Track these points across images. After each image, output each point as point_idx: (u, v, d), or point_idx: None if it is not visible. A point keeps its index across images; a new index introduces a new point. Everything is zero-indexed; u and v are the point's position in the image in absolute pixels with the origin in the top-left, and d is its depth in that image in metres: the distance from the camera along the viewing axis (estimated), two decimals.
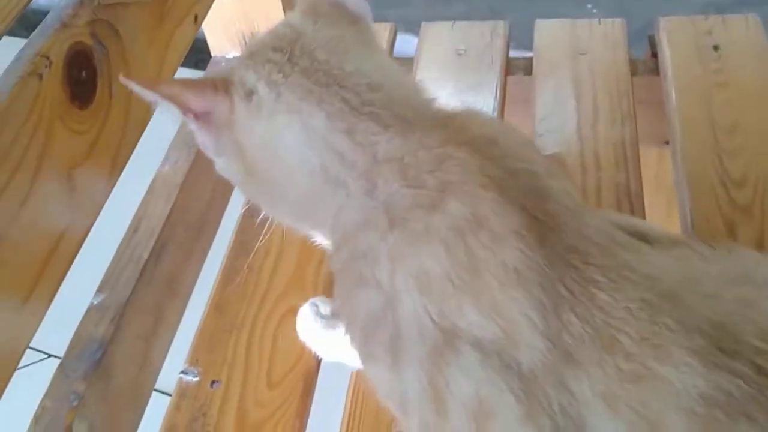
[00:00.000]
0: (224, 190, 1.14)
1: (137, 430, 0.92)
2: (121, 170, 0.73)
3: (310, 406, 0.81)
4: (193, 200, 1.06)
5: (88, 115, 0.67)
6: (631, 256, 0.49)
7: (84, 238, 0.68)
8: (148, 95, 0.56)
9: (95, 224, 0.68)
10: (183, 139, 1.09)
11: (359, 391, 0.79)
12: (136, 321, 0.93)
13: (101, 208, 0.70)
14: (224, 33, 1.20)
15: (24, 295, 0.63)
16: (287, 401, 0.80)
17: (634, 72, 1.07)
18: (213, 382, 0.82)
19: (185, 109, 0.56)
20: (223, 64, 1.21)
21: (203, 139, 0.60)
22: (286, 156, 0.57)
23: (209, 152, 0.62)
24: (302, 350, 0.83)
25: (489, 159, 0.51)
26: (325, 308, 0.83)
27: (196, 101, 0.56)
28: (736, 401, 0.42)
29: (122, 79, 0.56)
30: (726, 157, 0.92)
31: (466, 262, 0.49)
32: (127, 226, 0.99)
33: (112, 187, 0.72)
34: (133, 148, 0.75)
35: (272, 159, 0.58)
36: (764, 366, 0.42)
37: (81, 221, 0.67)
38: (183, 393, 0.82)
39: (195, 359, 0.84)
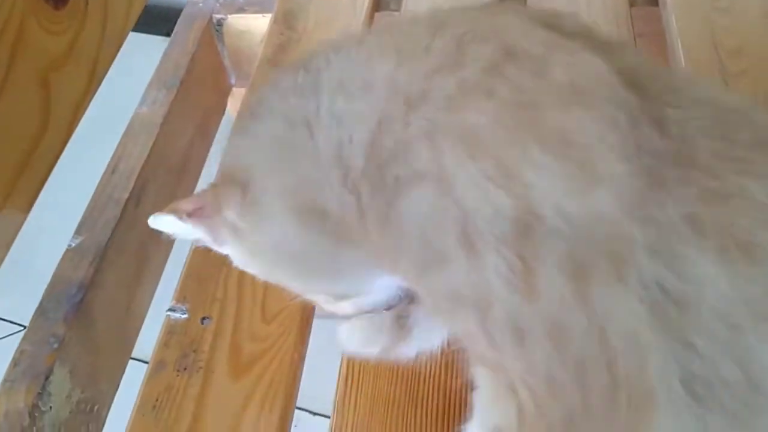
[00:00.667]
0: (205, 131, 1.09)
1: (121, 379, 0.87)
2: (99, 84, 0.68)
3: (308, 338, 0.76)
4: (173, 141, 1.01)
5: (63, 16, 0.62)
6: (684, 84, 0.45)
7: (59, 153, 0.62)
8: (160, 221, 0.59)
9: (68, 167, 0.62)
10: (160, 78, 1.04)
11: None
12: (118, 265, 0.88)
13: (78, 121, 0.64)
14: None
15: None
16: (284, 335, 0.75)
17: (632, 3, 1.04)
18: (203, 318, 0.77)
19: (180, 215, 0.57)
20: (200, 5, 1.15)
21: (203, 236, 0.60)
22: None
23: (214, 247, 0.62)
24: None
25: None
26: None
27: (187, 203, 0.58)
28: None
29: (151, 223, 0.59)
30: (731, 80, 0.89)
31: (516, 100, 0.42)
32: (103, 170, 0.93)
33: (89, 100, 0.66)
34: (111, 61, 0.69)
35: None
36: None
37: (57, 134, 0.61)
38: (171, 330, 0.76)
39: (182, 296, 0.79)
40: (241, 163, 0.58)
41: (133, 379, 0.77)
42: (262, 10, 1.13)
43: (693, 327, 0.41)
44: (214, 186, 0.60)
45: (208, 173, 1.09)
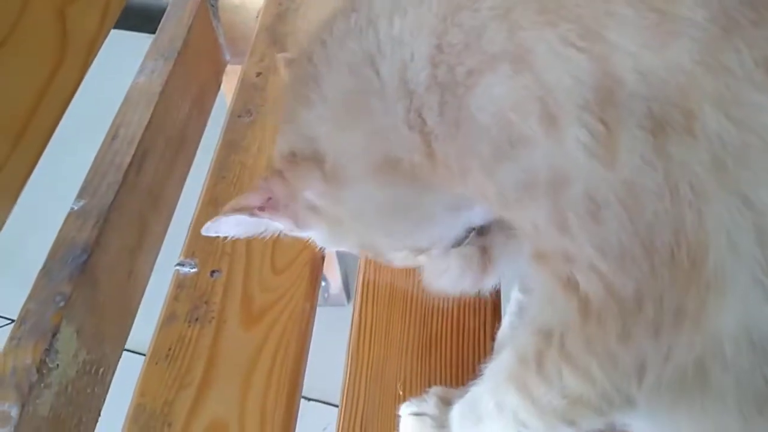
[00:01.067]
0: (202, 106, 1.09)
1: (125, 344, 0.87)
2: (112, 21, 0.68)
3: (318, 289, 0.76)
4: (172, 112, 1.01)
5: None
6: None
7: (74, 90, 0.62)
8: (226, 223, 0.61)
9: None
10: (158, 49, 1.04)
11: (371, 266, 0.75)
12: (121, 228, 0.87)
13: (93, 57, 0.64)
14: None
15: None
16: (294, 285, 0.75)
17: None
18: (213, 271, 0.77)
19: (250, 210, 0.58)
20: None
21: (283, 225, 0.60)
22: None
23: (295, 233, 0.63)
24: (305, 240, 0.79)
25: None
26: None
27: (254, 197, 0.59)
28: None
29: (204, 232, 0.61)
30: None
31: None
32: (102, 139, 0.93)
33: (104, 37, 0.66)
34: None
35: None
36: None
37: (73, 69, 0.61)
38: (181, 284, 0.76)
39: (191, 252, 0.79)
40: (308, 137, 0.56)
41: (129, 371, 0.74)
42: None
43: (751, 181, 0.42)
44: (277, 173, 0.59)
45: (205, 152, 1.08)
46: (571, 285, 0.46)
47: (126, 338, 0.89)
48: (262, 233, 0.63)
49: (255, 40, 1.01)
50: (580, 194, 0.44)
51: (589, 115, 0.42)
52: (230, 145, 0.88)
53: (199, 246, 0.79)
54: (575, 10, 0.42)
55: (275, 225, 0.60)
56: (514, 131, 0.45)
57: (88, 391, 0.81)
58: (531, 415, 0.51)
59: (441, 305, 0.71)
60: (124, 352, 0.84)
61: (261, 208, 0.58)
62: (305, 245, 0.77)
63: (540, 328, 0.49)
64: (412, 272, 0.74)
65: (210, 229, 0.61)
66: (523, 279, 0.69)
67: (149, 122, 0.95)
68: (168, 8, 1.09)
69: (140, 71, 1.01)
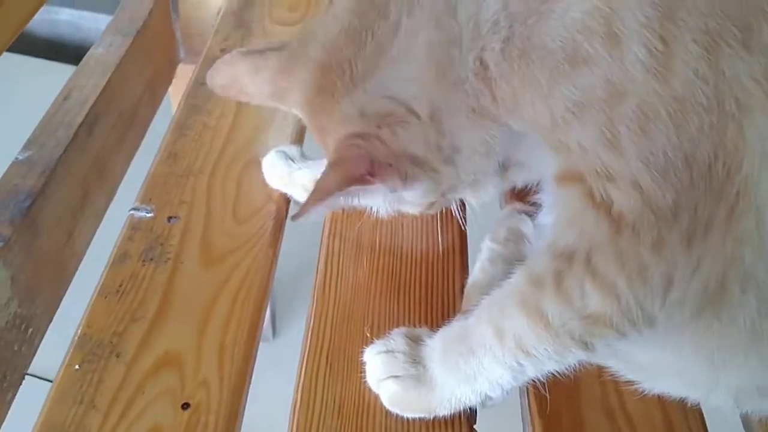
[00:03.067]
0: (154, 92, 1.07)
1: (55, 313, 0.81)
2: None
3: (281, 240, 0.73)
4: (125, 86, 0.98)
5: None
6: None
7: None
8: (330, 202, 0.54)
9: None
10: (117, 26, 1.02)
11: (336, 224, 0.73)
12: (66, 185, 0.83)
13: None
14: None
15: None
16: (257, 234, 0.72)
17: None
18: (170, 217, 0.73)
19: (363, 179, 0.53)
20: None
21: (393, 184, 0.55)
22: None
23: (408, 199, 0.61)
24: (270, 194, 0.77)
25: None
26: (293, 152, 0.77)
27: (355, 165, 0.53)
28: None
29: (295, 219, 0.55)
30: None
31: None
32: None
33: None
34: None
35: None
36: None
37: None
38: (135, 227, 0.72)
39: (147, 198, 0.75)
40: (397, 95, 0.55)
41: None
42: None
43: None
44: (366, 136, 0.55)
45: (151, 140, 1.04)
46: (603, 204, 0.47)
47: (57, 307, 0.83)
48: (346, 205, 0.59)
49: (220, 22, 1.01)
50: (633, 108, 0.46)
51: (649, 32, 0.45)
52: (192, 107, 0.86)
53: (155, 193, 0.75)
54: None
55: (379, 188, 0.55)
56: (579, 51, 0.48)
57: (15, 348, 0.75)
58: (541, 340, 0.50)
59: (409, 254, 0.70)
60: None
61: (371, 173, 0.53)
62: (270, 197, 0.75)
63: (562, 251, 0.50)
64: (379, 224, 0.72)
65: (308, 215, 0.54)
66: (495, 230, 0.69)
67: (103, 89, 0.92)
68: None
69: (98, 44, 0.99)
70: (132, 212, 0.73)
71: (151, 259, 0.69)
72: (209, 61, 0.93)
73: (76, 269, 0.87)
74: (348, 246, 0.71)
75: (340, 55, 0.56)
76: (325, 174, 0.54)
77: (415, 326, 0.63)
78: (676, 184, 0.46)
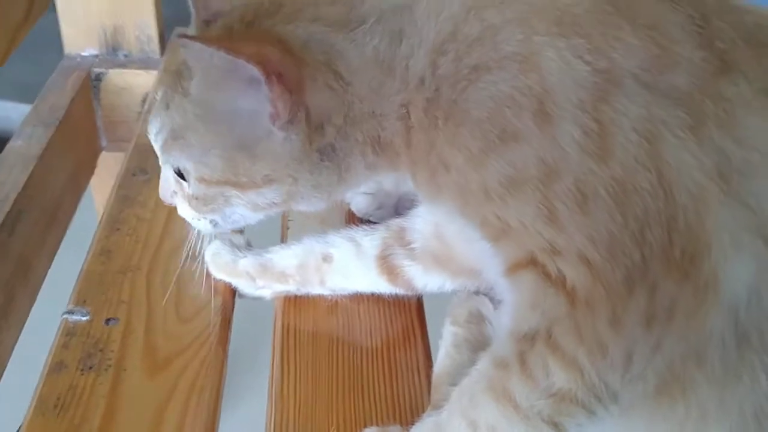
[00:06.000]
0: (76, 184, 1.03)
1: None
2: None
3: (229, 337, 0.69)
4: (48, 179, 0.93)
5: None
6: None
7: None
8: (211, 55, 0.49)
9: None
10: (38, 116, 0.97)
11: (289, 317, 0.70)
12: None
13: None
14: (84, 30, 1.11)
15: None
16: (204, 333, 0.68)
17: None
18: (108, 320, 0.68)
19: (266, 70, 0.48)
20: (78, 60, 1.11)
21: (281, 110, 0.51)
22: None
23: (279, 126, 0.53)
24: (214, 287, 0.73)
25: None
26: (237, 240, 0.74)
27: (275, 58, 0.49)
28: None
29: (181, 35, 0.49)
30: None
31: None
32: None
33: None
34: None
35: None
36: None
37: None
38: (70, 332, 0.67)
39: (82, 300, 0.70)
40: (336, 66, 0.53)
41: None
42: (145, 66, 1.11)
43: (752, 191, 0.45)
44: (292, 53, 0.51)
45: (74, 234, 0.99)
46: (558, 279, 0.46)
47: None
48: (212, 89, 0.52)
49: (148, 109, 0.97)
50: (569, 187, 0.45)
51: (583, 113, 0.45)
52: (124, 199, 0.82)
53: (90, 294, 0.70)
54: (587, 29, 0.46)
55: (259, 97, 0.50)
56: (508, 126, 0.47)
57: None
58: (513, 425, 0.49)
59: (369, 345, 0.67)
60: None
61: (278, 77, 0.49)
62: (213, 292, 0.71)
63: (525, 333, 0.48)
64: (335, 313, 0.70)
65: (191, 47, 0.49)
66: (454, 311, 0.68)
67: (25, 185, 0.87)
68: (50, 78, 1.04)
69: (17, 136, 0.94)
70: (66, 316, 0.68)
71: (91, 368, 0.63)
72: (140, 150, 0.90)
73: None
74: (303, 340, 0.67)
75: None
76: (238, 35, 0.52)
77: (383, 424, 0.59)
78: (627, 262, 0.45)
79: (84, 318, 0.68)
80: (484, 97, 0.48)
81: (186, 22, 0.62)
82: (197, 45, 0.50)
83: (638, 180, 0.44)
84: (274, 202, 0.57)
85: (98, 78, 1.10)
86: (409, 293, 0.69)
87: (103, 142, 1.15)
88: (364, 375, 0.64)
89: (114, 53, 1.13)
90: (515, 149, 0.47)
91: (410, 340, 0.67)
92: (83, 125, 1.08)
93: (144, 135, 0.92)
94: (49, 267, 0.94)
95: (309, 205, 0.59)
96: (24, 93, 1.03)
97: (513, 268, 0.49)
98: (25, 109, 0.99)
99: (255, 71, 0.48)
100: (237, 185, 0.55)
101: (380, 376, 0.65)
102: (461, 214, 0.53)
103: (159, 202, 0.81)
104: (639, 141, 0.44)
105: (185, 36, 0.49)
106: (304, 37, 0.52)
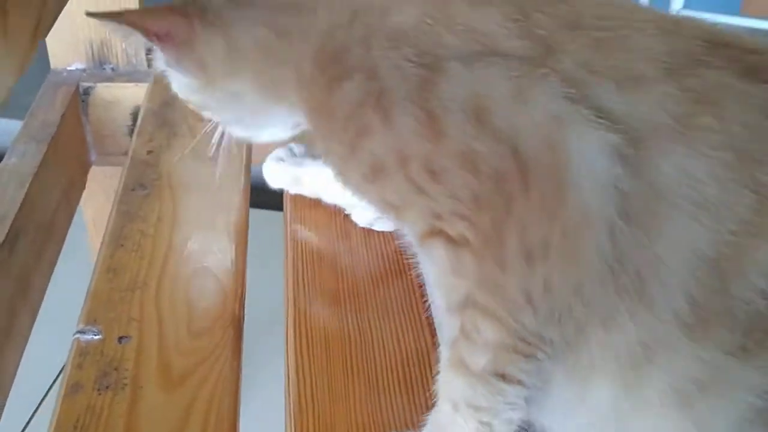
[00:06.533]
0: (69, 200, 1.02)
1: None
2: None
3: (241, 354, 0.70)
4: (44, 196, 0.93)
5: None
6: None
7: None
8: (112, 26, 0.62)
9: None
10: (29, 133, 0.97)
11: (301, 323, 0.70)
12: None
13: None
14: (70, 44, 1.10)
15: None
16: (218, 348, 0.68)
17: None
18: (121, 338, 0.68)
19: (147, 33, 0.61)
20: (64, 74, 1.11)
21: (167, 59, 0.64)
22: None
23: (171, 71, 0.66)
24: (224, 300, 0.73)
25: None
26: (299, 149, 0.82)
27: (156, 24, 0.61)
28: None
29: (89, 13, 0.63)
30: None
31: (433, 3, 0.55)
32: None
33: None
34: None
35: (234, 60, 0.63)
36: None
37: None
38: (84, 352, 0.66)
39: (92, 319, 0.69)
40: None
41: None
42: (133, 79, 1.10)
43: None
44: (186, 14, 0.61)
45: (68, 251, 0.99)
46: (456, 240, 0.52)
47: None
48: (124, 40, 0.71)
49: (142, 122, 0.97)
50: (419, 166, 0.52)
51: (412, 104, 0.52)
52: (125, 215, 0.82)
53: (100, 313, 0.70)
54: (413, 39, 0.54)
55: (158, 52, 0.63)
56: (361, 123, 0.55)
57: None
58: (475, 389, 0.53)
59: (383, 356, 0.68)
60: None
61: (158, 37, 0.61)
62: (224, 304, 0.72)
63: (456, 305, 0.53)
64: (346, 318, 0.70)
65: (105, 21, 0.62)
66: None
67: (22, 203, 0.86)
68: (38, 95, 1.03)
69: (10, 154, 0.93)
70: (78, 336, 0.68)
71: (107, 387, 0.63)
72: (136, 164, 0.90)
73: (4, 405, 0.79)
74: (316, 352, 0.68)
75: None
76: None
77: (404, 425, 0.61)
78: (491, 210, 0.50)
79: (96, 337, 0.67)
80: (343, 101, 0.56)
81: None
82: (104, 20, 0.62)
83: (476, 147, 0.50)
84: (226, 122, 0.69)
85: (86, 92, 1.09)
86: None
87: (93, 157, 1.15)
88: (380, 385, 0.65)
89: (101, 67, 1.12)
90: (371, 141, 0.54)
91: (422, 349, 0.68)
92: (73, 140, 1.07)
93: (139, 149, 0.93)
94: (47, 284, 0.93)
95: (246, 132, 0.70)
96: (4, 106, 1.02)
97: (422, 238, 0.55)
98: (5, 123, 0.99)
99: (138, 34, 0.61)
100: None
101: (396, 385, 0.65)
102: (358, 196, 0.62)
103: (161, 216, 0.82)
104: (467, 119, 0.50)
105: (91, 14, 0.63)
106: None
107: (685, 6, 1.95)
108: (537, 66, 0.50)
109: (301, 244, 0.78)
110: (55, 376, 1.19)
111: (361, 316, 0.71)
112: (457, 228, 0.51)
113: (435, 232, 0.53)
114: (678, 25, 0.53)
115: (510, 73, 0.50)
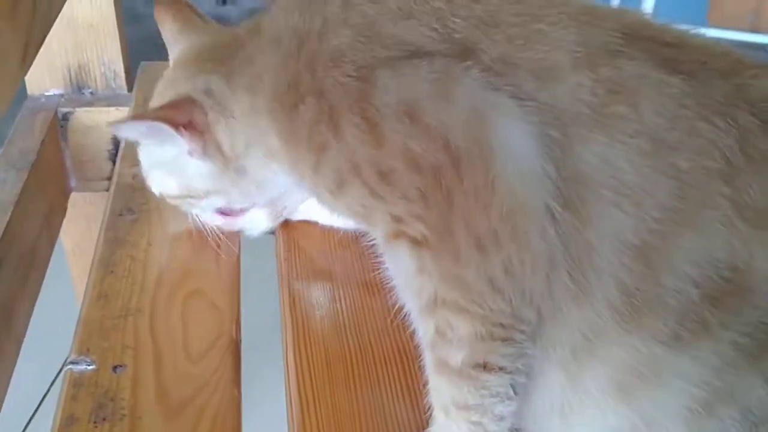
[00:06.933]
0: (50, 227, 1.00)
1: None
2: None
3: (241, 374, 0.68)
4: (25, 224, 0.90)
5: None
6: None
7: None
8: (139, 127, 0.69)
9: None
10: (8, 161, 0.94)
11: (300, 341, 0.69)
12: None
13: None
14: (47, 69, 1.08)
15: None
16: (217, 372, 0.66)
17: None
18: (116, 367, 0.66)
19: (175, 124, 0.64)
20: (42, 100, 1.08)
21: (193, 148, 0.67)
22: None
23: (199, 158, 0.68)
24: (220, 323, 0.71)
25: None
26: None
27: (177, 115, 0.65)
28: None
29: (112, 126, 0.73)
30: None
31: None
32: None
33: None
34: None
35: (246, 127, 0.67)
36: None
37: None
38: (78, 383, 0.64)
39: (85, 349, 0.67)
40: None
41: None
42: (112, 103, 1.08)
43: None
44: (197, 103, 0.66)
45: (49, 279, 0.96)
46: (417, 241, 0.53)
47: None
48: (155, 144, 0.70)
49: (126, 146, 0.95)
50: (370, 171, 0.55)
51: (353, 115, 0.55)
52: (114, 241, 0.80)
53: (93, 341, 0.68)
54: (351, 56, 0.57)
55: (181, 143, 0.66)
56: (318, 140, 0.58)
57: None
58: (460, 388, 0.53)
59: (384, 369, 0.66)
60: None
61: (186, 126, 0.65)
62: (220, 330, 0.70)
63: (425, 304, 0.54)
64: (345, 333, 0.69)
65: (122, 128, 0.72)
66: None
67: (4, 231, 0.84)
68: (16, 121, 1.01)
69: None
70: (70, 366, 0.65)
71: (104, 419, 0.61)
72: (122, 189, 0.88)
73: None
74: (317, 365, 0.66)
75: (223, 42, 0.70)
76: (152, 106, 0.70)
77: None
78: (436, 206, 0.52)
79: (90, 367, 0.65)
80: (301, 124, 0.59)
81: (151, 56, 0.74)
82: (126, 126, 0.71)
83: (413, 148, 0.52)
84: (219, 205, 0.74)
85: (65, 118, 1.07)
86: None
87: (72, 183, 1.12)
88: (385, 399, 0.64)
89: (79, 91, 1.10)
90: (328, 156, 0.57)
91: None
92: (53, 167, 1.05)
93: (124, 173, 0.91)
94: (31, 313, 0.91)
95: (247, 204, 0.74)
96: None
97: (387, 240, 0.56)
98: None
99: (166, 127, 0.64)
100: (192, 197, 0.72)
101: (401, 398, 0.64)
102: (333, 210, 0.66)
103: (152, 240, 0.80)
104: (401, 120, 0.53)
105: (115, 122, 0.70)
106: (203, 87, 0.67)
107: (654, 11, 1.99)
108: (458, 63, 0.53)
109: (295, 260, 0.77)
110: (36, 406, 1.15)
111: (361, 330, 0.70)
112: (415, 228, 0.53)
113: (398, 234, 0.55)
114: (593, 16, 0.55)
115: (433, 73, 0.53)
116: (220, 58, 0.68)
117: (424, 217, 0.52)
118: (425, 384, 0.58)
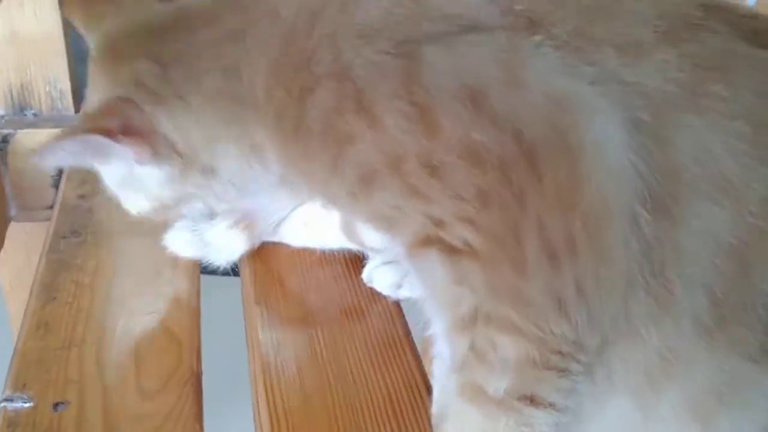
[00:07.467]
0: None
1: None
2: None
3: (203, 411, 0.59)
4: None
5: None
6: None
7: None
8: (66, 147, 0.55)
9: None
10: None
11: (271, 372, 0.61)
12: None
13: None
14: None
15: None
16: (176, 408, 0.58)
17: None
18: (57, 404, 0.57)
19: (109, 132, 0.54)
20: None
21: (139, 155, 0.57)
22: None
23: (151, 164, 0.58)
24: (178, 354, 0.63)
25: None
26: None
27: (106, 120, 0.55)
28: None
29: (33, 156, 0.57)
30: None
31: None
32: None
33: None
34: None
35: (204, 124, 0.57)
36: None
37: None
38: (13, 423, 0.55)
39: (21, 384, 0.58)
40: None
41: None
42: (58, 125, 1.00)
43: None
44: (130, 101, 0.56)
45: None
46: (464, 247, 0.45)
47: None
48: (101, 162, 0.60)
49: (71, 168, 0.87)
50: (415, 165, 0.47)
51: (399, 100, 0.47)
52: (58, 264, 0.71)
53: (31, 375, 0.59)
54: (386, 31, 0.49)
55: (124, 153, 0.56)
56: (341, 132, 0.49)
57: None
58: (497, 420, 0.46)
59: (367, 386, 0.59)
60: None
61: (123, 132, 0.54)
62: (179, 360, 0.62)
63: (461, 319, 0.47)
64: (322, 359, 0.62)
65: (46, 154, 0.55)
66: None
67: None
68: None
69: None
70: (4, 404, 0.56)
71: None
72: (67, 210, 0.80)
73: None
74: (292, 394, 0.59)
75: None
76: (78, 120, 0.58)
77: None
78: (501, 207, 0.44)
79: (27, 405, 0.57)
80: (318, 110, 0.50)
81: None
82: (50, 151, 0.55)
83: (475, 137, 0.45)
84: (201, 212, 0.65)
85: (5, 140, 0.98)
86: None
87: (12, 211, 1.03)
88: (367, 420, 0.57)
89: (21, 112, 1.02)
90: (355, 150, 0.49)
91: (410, 381, 0.60)
92: None
93: (69, 194, 0.83)
94: None
95: (229, 205, 0.65)
96: None
97: (413, 248, 0.49)
98: None
99: (97, 138, 0.53)
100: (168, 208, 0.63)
101: (387, 426, 0.57)
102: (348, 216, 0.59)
103: (100, 264, 0.72)
104: (461, 105, 0.45)
105: (37, 153, 0.56)
106: (131, 78, 0.57)
107: None
108: (526, 37, 0.47)
109: (261, 281, 0.70)
110: None
111: (339, 355, 0.63)
112: (457, 233, 0.46)
113: (429, 241, 0.47)
114: None
115: (498, 50, 0.46)
116: (157, 39, 0.58)
117: (475, 220, 0.45)
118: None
